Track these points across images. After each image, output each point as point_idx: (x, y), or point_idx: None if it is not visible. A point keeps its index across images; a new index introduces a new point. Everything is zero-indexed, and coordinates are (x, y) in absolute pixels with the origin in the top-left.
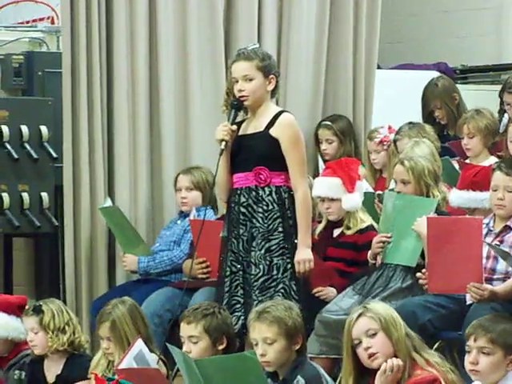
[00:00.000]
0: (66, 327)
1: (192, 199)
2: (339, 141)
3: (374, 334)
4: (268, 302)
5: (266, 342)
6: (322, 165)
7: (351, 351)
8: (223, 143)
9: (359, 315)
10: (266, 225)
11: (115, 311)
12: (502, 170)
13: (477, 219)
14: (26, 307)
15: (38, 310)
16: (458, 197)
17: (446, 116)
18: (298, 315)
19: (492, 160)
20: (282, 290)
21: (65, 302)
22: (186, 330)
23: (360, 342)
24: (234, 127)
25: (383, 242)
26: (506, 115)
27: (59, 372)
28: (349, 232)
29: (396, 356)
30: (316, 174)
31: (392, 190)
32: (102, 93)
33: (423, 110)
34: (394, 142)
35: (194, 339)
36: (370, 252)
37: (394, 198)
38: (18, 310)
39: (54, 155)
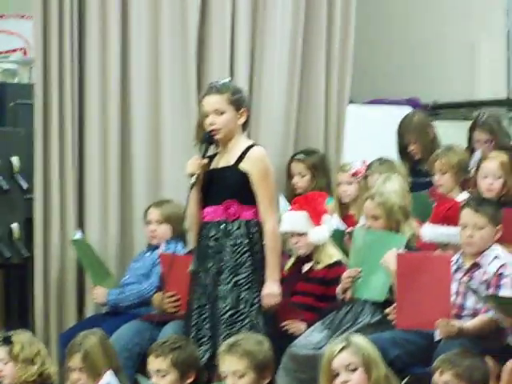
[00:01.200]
0: (36, 358)
1: (161, 232)
2: (311, 175)
3: (354, 370)
4: (239, 335)
5: (235, 375)
6: (283, 201)
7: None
8: (194, 177)
9: (342, 348)
10: (234, 259)
11: (87, 342)
12: (470, 207)
13: (445, 256)
14: None
15: (7, 341)
16: (431, 231)
17: (420, 151)
18: (268, 349)
19: (464, 196)
20: (249, 324)
21: (34, 333)
22: (153, 363)
23: (337, 375)
24: (205, 161)
25: (353, 277)
26: (478, 152)
27: None
28: (318, 267)
29: None
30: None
31: (362, 226)
32: (73, 125)
33: (398, 144)
34: (365, 177)
35: (162, 373)
36: (339, 287)
37: (364, 233)
38: None
39: (25, 186)
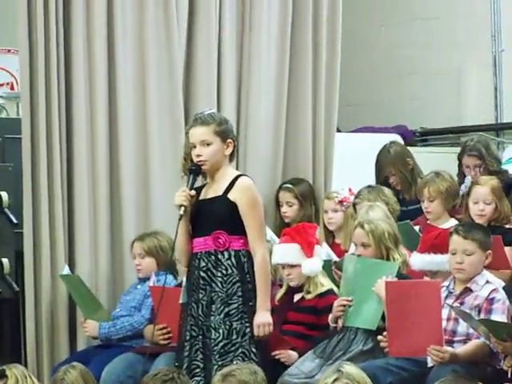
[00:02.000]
0: None
1: (145, 266)
2: (300, 204)
3: None
4: (233, 365)
5: None
6: (269, 233)
7: None
8: (182, 208)
9: (335, 380)
10: (225, 289)
11: (68, 376)
12: (459, 233)
13: (435, 282)
14: None
15: (1, 375)
16: (420, 260)
17: (400, 182)
18: (263, 380)
19: (452, 222)
20: (242, 355)
21: (26, 367)
22: None
23: None
24: (193, 192)
25: (344, 306)
26: (468, 177)
27: None
28: (309, 296)
29: None
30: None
31: (352, 254)
32: (61, 159)
33: (377, 176)
34: (354, 205)
35: None
36: (330, 315)
37: (355, 261)
38: None
39: (15, 221)
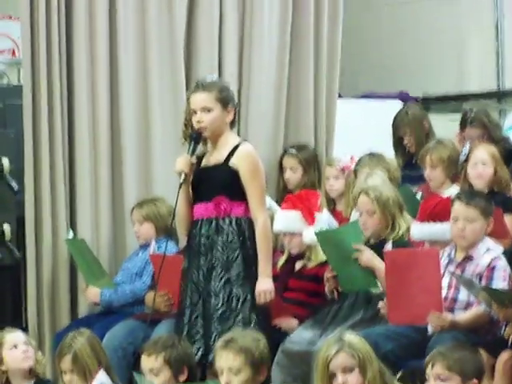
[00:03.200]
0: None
1: (144, 232)
2: (303, 170)
3: (351, 370)
4: (236, 331)
5: (231, 371)
6: (268, 200)
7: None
8: (182, 175)
9: (338, 350)
10: (225, 255)
11: (75, 343)
12: (461, 200)
13: (433, 250)
14: None
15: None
16: (419, 231)
17: (414, 143)
18: (265, 347)
19: (455, 189)
20: (242, 321)
21: (27, 333)
22: (146, 362)
23: (334, 376)
24: (194, 159)
25: (333, 276)
26: (467, 145)
27: None
28: (310, 264)
29: None
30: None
31: (356, 221)
32: (63, 125)
33: (393, 136)
34: (354, 171)
35: (155, 371)
36: (326, 288)
37: (320, 235)
38: None
39: (16, 187)
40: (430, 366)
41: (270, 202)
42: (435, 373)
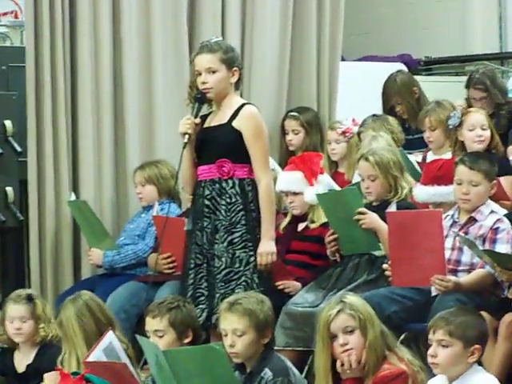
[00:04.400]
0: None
1: (147, 194)
2: (305, 132)
3: (352, 331)
4: (240, 293)
5: (235, 333)
6: (272, 161)
7: (328, 345)
8: (186, 136)
9: (338, 311)
10: (228, 217)
11: (65, 311)
12: (465, 164)
13: (436, 211)
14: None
15: (30, 299)
16: (423, 192)
17: (406, 111)
18: (269, 309)
19: (449, 155)
20: (244, 283)
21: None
22: (151, 324)
23: (335, 337)
24: (198, 120)
25: (335, 239)
26: (457, 109)
27: (30, 362)
28: (313, 225)
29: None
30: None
31: (356, 184)
32: (65, 87)
33: (384, 105)
34: (358, 134)
35: (159, 333)
36: (328, 251)
37: (320, 198)
38: None
39: (19, 150)
40: (431, 331)
41: (273, 163)
42: (437, 338)
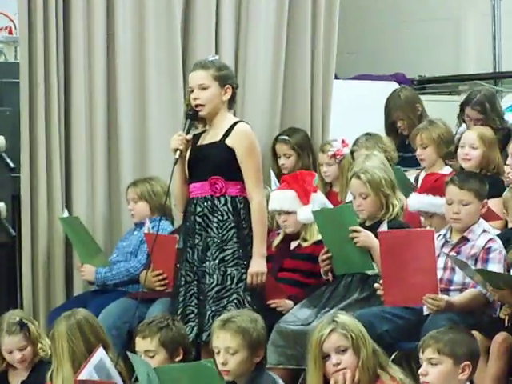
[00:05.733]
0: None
1: (139, 210)
2: (297, 154)
3: (344, 351)
4: (234, 311)
5: (228, 351)
6: (273, 178)
7: (321, 364)
8: (177, 152)
9: (331, 331)
10: (220, 235)
11: (58, 327)
12: (455, 183)
13: (428, 231)
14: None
15: (22, 325)
16: (418, 201)
17: (407, 127)
18: (262, 328)
19: (447, 169)
20: (236, 301)
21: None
22: (141, 344)
23: (328, 356)
24: (189, 136)
25: (328, 258)
26: (463, 125)
27: (24, 378)
28: (305, 244)
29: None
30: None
31: (350, 202)
32: (59, 103)
33: (386, 120)
34: (351, 152)
35: (150, 353)
36: (321, 270)
37: (316, 215)
38: None
39: (12, 165)
40: (421, 350)
41: (274, 179)
42: (426, 357)
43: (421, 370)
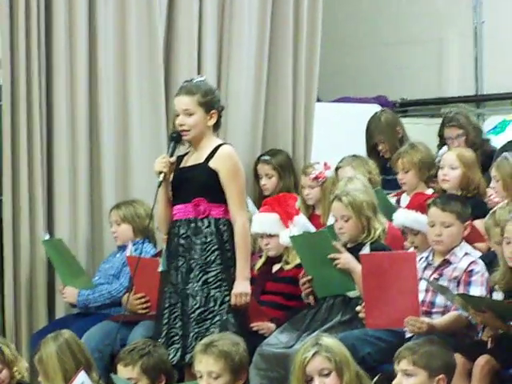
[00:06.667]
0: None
1: (122, 233)
2: (278, 175)
3: (328, 374)
4: (215, 335)
5: (211, 375)
6: (250, 204)
7: None
8: (161, 175)
9: (314, 353)
10: (203, 257)
11: (45, 348)
12: (437, 205)
13: (410, 253)
14: None
15: None
16: (404, 216)
17: (389, 150)
18: (244, 351)
19: (430, 192)
20: (219, 322)
21: (4, 335)
22: (123, 372)
23: (311, 380)
24: (173, 159)
25: (308, 281)
26: (444, 147)
27: None
28: (288, 267)
29: None
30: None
31: (331, 225)
32: (41, 127)
33: (367, 143)
34: (336, 169)
35: (132, 381)
36: (302, 293)
37: (295, 239)
38: None
39: None
40: (396, 361)
41: (251, 205)
42: (401, 368)
43: (395, 381)
